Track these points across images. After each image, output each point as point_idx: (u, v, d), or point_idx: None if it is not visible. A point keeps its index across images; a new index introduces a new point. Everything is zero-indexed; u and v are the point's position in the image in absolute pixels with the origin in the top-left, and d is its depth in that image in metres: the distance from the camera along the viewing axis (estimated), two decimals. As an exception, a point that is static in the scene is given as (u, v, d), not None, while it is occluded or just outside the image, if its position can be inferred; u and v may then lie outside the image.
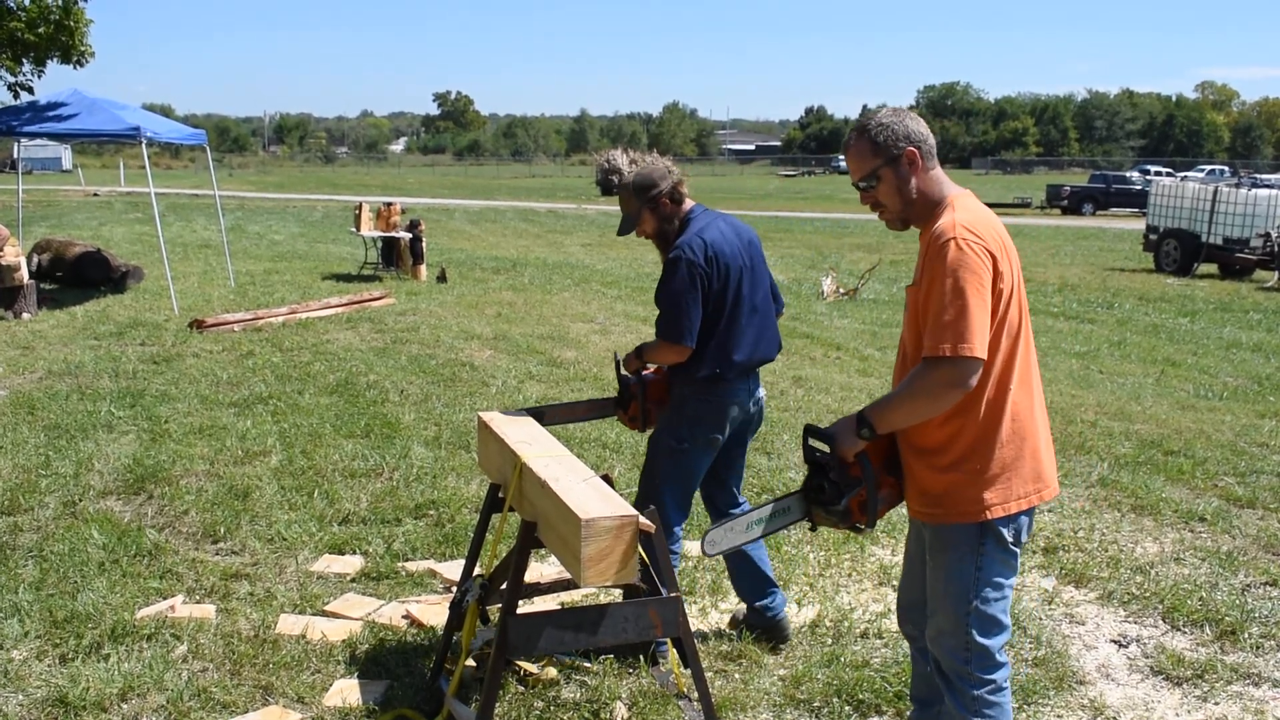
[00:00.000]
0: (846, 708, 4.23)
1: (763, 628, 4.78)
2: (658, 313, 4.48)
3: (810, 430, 3.30)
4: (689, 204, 4.62)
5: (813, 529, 3.46)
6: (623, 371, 4.69)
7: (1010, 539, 3.18)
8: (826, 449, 3.24)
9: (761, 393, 4.65)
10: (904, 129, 3.16)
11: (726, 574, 4.96)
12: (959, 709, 3.26)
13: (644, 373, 4.65)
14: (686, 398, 4.50)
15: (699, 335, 4.41)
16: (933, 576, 3.30)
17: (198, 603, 5.11)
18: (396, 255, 18.34)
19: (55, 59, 16.43)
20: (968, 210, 3.11)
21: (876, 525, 3.30)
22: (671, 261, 4.44)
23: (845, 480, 3.20)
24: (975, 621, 3.20)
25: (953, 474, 3.14)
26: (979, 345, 2.92)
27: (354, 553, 5.78)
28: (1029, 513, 3.21)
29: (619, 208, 4.69)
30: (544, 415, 4.58)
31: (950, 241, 2.98)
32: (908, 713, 3.91)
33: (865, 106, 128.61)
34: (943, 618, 3.27)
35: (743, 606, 4.92)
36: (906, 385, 3.06)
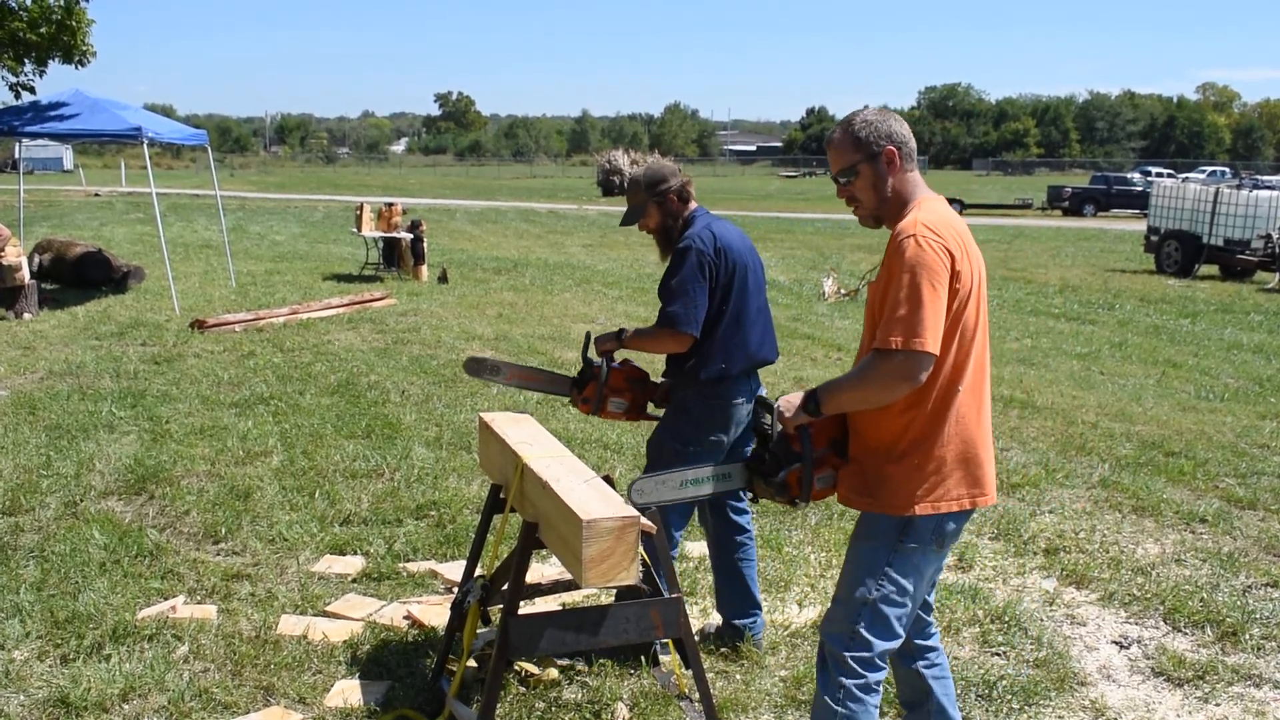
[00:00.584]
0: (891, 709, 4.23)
1: (732, 640, 4.76)
2: (661, 303, 4.47)
3: (760, 401, 3.36)
4: (693, 205, 4.63)
5: (753, 500, 3.47)
6: (591, 352, 4.66)
7: (933, 539, 3.17)
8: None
9: (763, 392, 4.65)
10: (887, 128, 3.21)
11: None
12: (823, 692, 3.25)
13: (611, 360, 4.63)
14: (690, 400, 4.50)
15: (704, 335, 4.41)
16: (845, 561, 3.31)
17: (199, 603, 5.11)
18: (398, 256, 18.34)
19: (57, 59, 16.42)
20: (932, 211, 3.14)
21: (811, 502, 3.30)
22: (681, 250, 4.44)
23: (786, 453, 3.22)
24: (868, 615, 3.19)
25: (891, 466, 3.14)
26: (931, 341, 2.94)
27: (355, 553, 5.78)
28: (958, 516, 3.19)
29: (625, 201, 4.69)
30: (501, 370, 4.60)
31: (910, 239, 3.01)
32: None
33: (866, 107, 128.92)
34: (839, 602, 3.27)
35: (715, 620, 4.92)
36: (857, 372, 3.08)
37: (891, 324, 2.96)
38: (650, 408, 4.72)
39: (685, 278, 4.39)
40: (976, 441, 3.17)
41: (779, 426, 3.22)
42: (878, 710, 3.25)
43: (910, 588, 3.20)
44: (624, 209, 4.71)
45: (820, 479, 3.24)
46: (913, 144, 3.25)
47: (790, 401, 3.21)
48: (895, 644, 3.25)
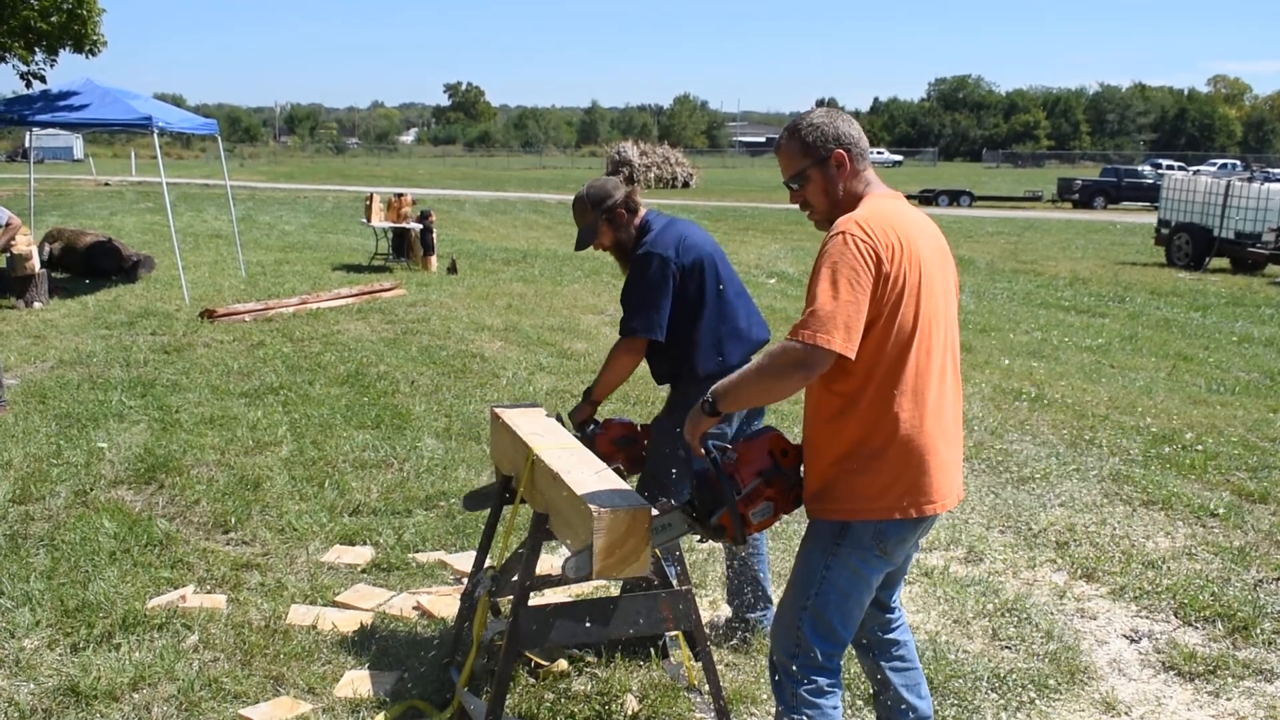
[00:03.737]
0: (858, 701, 4.23)
1: (742, 633, 4.76)
2: (623, 312, 4.46)
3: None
4: (643, 212, 4.61)
5: (701, 541, 3.41)
6: (570, 429, 4.50)
7: (872, 545, 3.09)
8: (709, 459, 3.19)
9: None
10: (834, 130, 3.14)
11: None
12: (779, 702, 3.24)
13: (590, 427, 4.54)
14: (693, 396, 4.46)
15: (690, 332, 4.39)
16: (793, 566, 3.27)
17: (208, 593, 5.12)
18: (407, 246, 18.35)
19: (67, 48, 16.47)
20: (872, 210, 3.06)
21: (749, 539, 3.23)
22: (641, 258, 4.44)
23: (712, 496, 3.18)
24: (809, 619, 3.15)
25: (832, 471, 3.08)
26: (839, 339, 2.85)
27: (365, 544, 5.78)
28: (899, 525, 3.09)
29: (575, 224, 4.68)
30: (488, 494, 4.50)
31: (838, 235, 2.95)
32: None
33: (876, 99, 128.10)
34: (784, 607, 3.24)
35: (725, 612, 4.91)
36: (755, 362, 3.02)
37: (804, 317, 2.89)
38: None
39: (647, 286, 4.39)
40: (923, 448, 3.06)
41: (691, 468, 3.17)
42: (838, 710, 3.21)
43: (851, 592, 3.14)
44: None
45: (756, 513, 3.16)
46: (863, 144, 3.18)
47: (693, 412, 3.16)
48: (840, 648, 3.21)
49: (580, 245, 4.67)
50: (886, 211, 3.07)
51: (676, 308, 4.42)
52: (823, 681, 3.18)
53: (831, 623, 3.16)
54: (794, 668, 3.18)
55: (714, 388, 3.11)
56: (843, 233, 2.95)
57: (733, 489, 3.14)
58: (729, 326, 4.46)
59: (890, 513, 3.06)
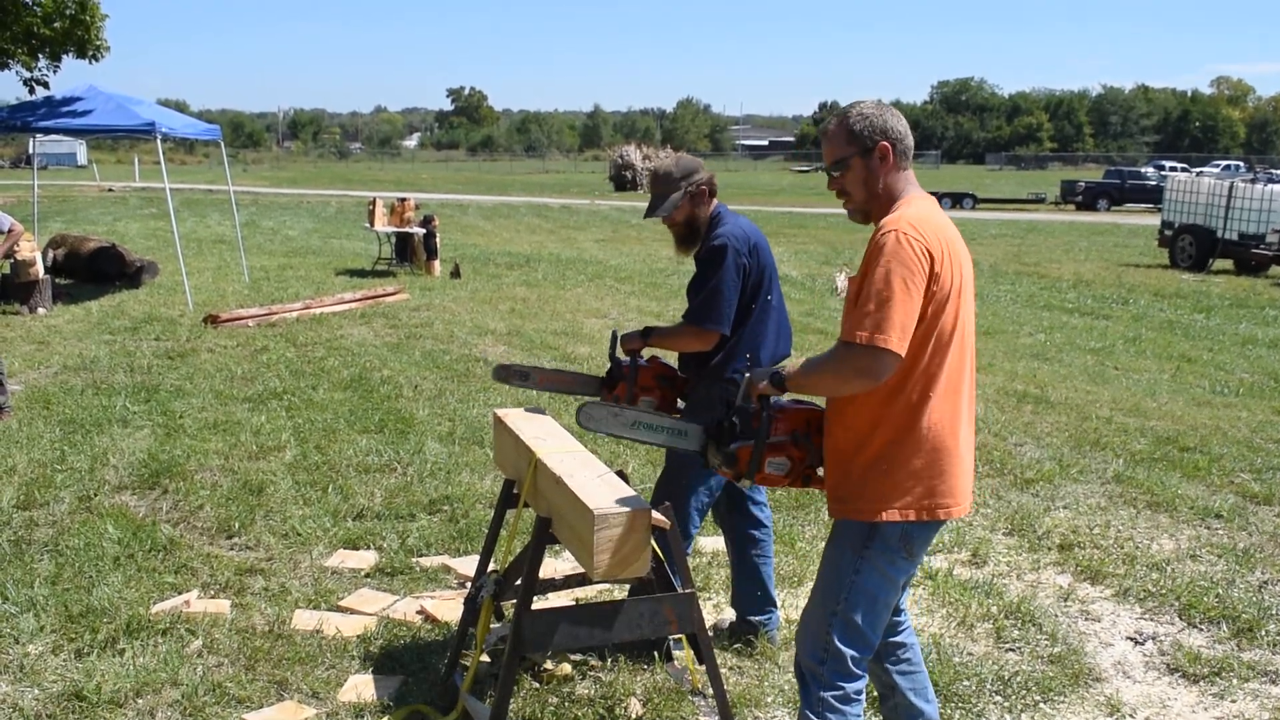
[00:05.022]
0: (867, 705, 4.21)
1: (746, 636, 4.76)
2: (690, 300, 4.44)
3: (734, 382, 3.32)
4: (715, 200, 4.61)
5: (704, 464, 3.44)
6: (619, 351, 4.62)
7: (900, 547, 3.12)
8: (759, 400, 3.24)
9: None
10: (883, 123, 3.15)
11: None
12: (804, 706, 3.23)
13: (639, 358, 4.59)
14: (717, 396, 4.45)
15: (736, 331, 4.40)
16: (819, 569, 3.28)
17: (212, 598, 5.12)
18: (410, 251, 18.37)
19: (71, 54, 16.44)
20: (918, 210, 3.09)
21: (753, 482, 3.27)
22: (718, 249, 4.39)
23: (745, 428, 3.21)
24: (839, 625, 3.16)
25: (861, 471, 3.10)
26: (896, 339, 2.88)
27: (368, 548, 5.78)
28: (926, 526, 3.13)
29: (650, 191, 4.65)
30: (529, 376, 4.56)
31: (891, 234, 2.97)
32: None
33: (879, 102, 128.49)
34: (811, 612, 3.25)
35: (730, 615, 4.91)
36: (822, 359, 3.06)
37: (860, 318, 2.91)
38: (680, 403, 4.68)
39: (723, 277, 4.35)
40: (950, 451, 3.09)
41: (742, 397, 3.21)
42: (860, 718, 3.22)
43: (879, 595, 3.16)
44: (636, 204, 4.67)
45: (772, 464, 3.21)
46: (909, 141, 3.20)
47: (761, 372, 3.20)
48: (869, 652, 3.23)
49: (655, 212, 4.58)
50: (931, 213, 3.11)
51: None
52: (850, 688, 3.19)
53: (861, 626, 3.17)
54: (822, 673, 3.18)
55: (787, 369, 3.15)
56: (895, 231, 2.97)
57: (767, 430, 3.18)
58: (766, 334, 4.47)
59: (920, 513, 3.09)
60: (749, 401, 3.21)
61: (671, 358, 4.75)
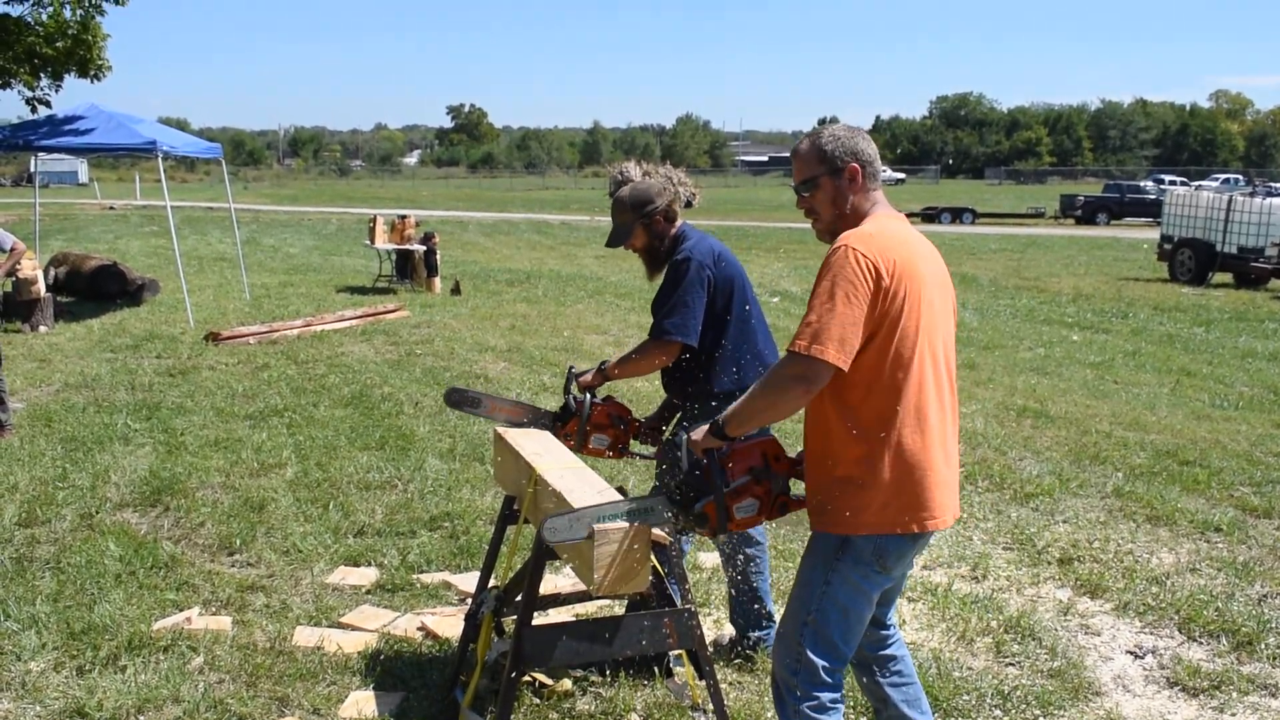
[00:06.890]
0: (862, 718, 4.23)
1: (746, 652, 4.76)
2: (655, 315, 4.46)
3: (670, 443, 3.28)
4: (680, 222, 4.64)
5: (681, 532, 3.44)
6: (573, 388, 4.57)
7: (872, 560, 3.12)
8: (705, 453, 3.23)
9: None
10: (853, 145, 3.19)
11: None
12: (781, 718, 3.25)
13: (592, 396, 4.55)
14: (709, 413, 4.47)
15: (712, 347, 4.42)
16: (794, 581, 3.29)
17: (214, 614, 5.13)
18: (411, 268, 18.41)
19: (72, 73, 16.51)
20: (876, 226, 3.11)
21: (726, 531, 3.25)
22: (681, 262, 4.44)
23: (700, 485, 3.21)
24: (810, 635, 3.17)
25: (832, 485, 3.12)
26: (833, 350, 2.90)
27: (369, 565, 5.79)
28: (899, 540, 3.12)
29: (612, 220, 4.70)
30: (480, 402, 4.53)
31: (840, 249, 3.00)
32: None
33: (878, 117, 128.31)
34: (784, 623, 3.26)
35: (729, 631, 4.91)
36: (757, 382, 3.07)
37: (801, 329, 2.95)
38: (634, 445, 4.66)
39: (685, 289, 4.39)
40: (924, 465, 3.09)
41: (688, 459, 3.20)
42: None
43: (851, 607, 3.17)
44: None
45: (740, 509, 3.20)
46: (878, 164, 3.24)
47: (699, 431, 3.20)
48: (842, 664, 3.23)
49: (612, 242, 4.70)
50: (889, 230, 3.12)
51: (704, 321, 4.44)
52: (825, 698, 3.19)
53: (833, 637, 3.18)
54: (796, 684, 3.19)
55: (722, 414, 3.14)
56: (844, 246, 3.00)
57: (722, 480, 3.18)
58: (749, 348, 4.49)
59: (891, 528, 3.09)
60: (696, 459, 3.21)
61: (649, 392, 4.74)
